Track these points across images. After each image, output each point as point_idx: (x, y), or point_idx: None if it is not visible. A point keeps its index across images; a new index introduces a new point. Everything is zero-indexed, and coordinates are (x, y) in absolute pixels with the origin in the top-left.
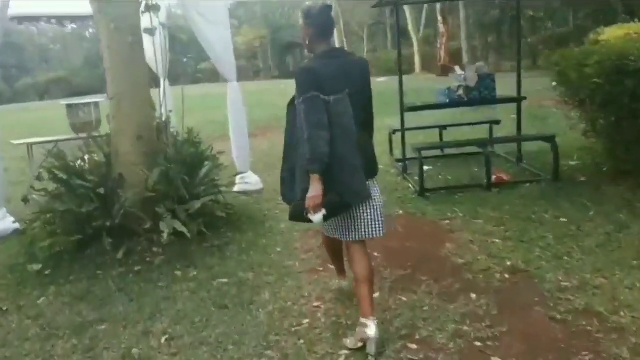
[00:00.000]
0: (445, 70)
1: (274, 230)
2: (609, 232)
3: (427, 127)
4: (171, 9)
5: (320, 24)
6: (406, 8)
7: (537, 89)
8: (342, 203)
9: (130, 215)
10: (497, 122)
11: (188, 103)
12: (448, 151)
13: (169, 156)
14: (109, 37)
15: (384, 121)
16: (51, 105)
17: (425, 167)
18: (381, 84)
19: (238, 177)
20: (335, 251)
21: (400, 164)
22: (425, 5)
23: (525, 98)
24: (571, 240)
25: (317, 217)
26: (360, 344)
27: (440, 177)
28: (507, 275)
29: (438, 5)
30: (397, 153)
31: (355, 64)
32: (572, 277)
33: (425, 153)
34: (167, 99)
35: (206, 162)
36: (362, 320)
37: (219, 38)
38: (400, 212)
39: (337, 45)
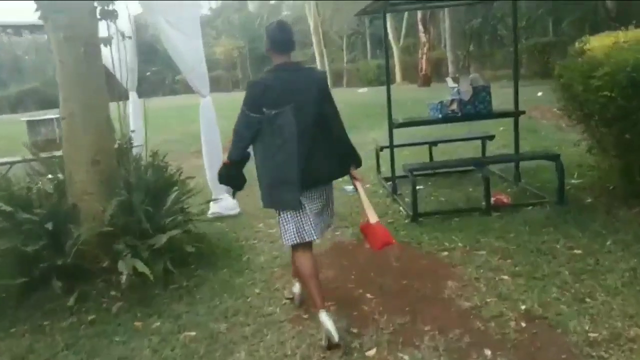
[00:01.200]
0: (428, 81)
1: (252, 265)
2: (634, 267)
3: (417, 144)
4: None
5: (277, 39)
6: (387, 17)
7: (523, 99)
8: (228, 174)
9: (85, 253)
10: (491, 138)
11: (164, 116)
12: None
13: (131, 183)
14: (59, 48)
15: (367, 135)
16: (14, 119)
17: (419, 188)
18: (362, 96)
19: (212, 198)
20: (313, 277)
21: (389, 183)
22: (406, 15)
23: (523, 112)
24: (590, 277)
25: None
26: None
27: (432, 198)
28: (523, 324)
29: (419, 15)
30: (385, 170)
31: (307, 79)
32: (600, 325)
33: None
34: (137, 114)
35: (174, 188)
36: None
37: (189, 49)
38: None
39: (317, 54)
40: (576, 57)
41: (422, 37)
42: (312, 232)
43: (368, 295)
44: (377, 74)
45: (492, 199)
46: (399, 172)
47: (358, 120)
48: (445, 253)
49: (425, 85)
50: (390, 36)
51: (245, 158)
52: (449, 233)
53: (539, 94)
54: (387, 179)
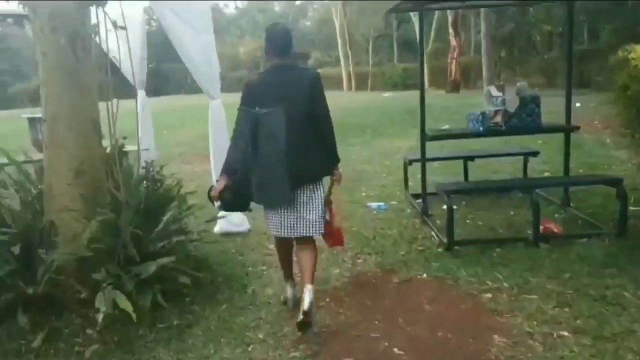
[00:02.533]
0: (457, 87)
1: (258, 300)
2: None
3: (451, 158)
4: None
5: (275, 41)
6: (415, 20)
7: (559, 110)
8: (234, 201)
9: (59, 282)
10: (535, 154)
11: (183, 116)
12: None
13: (119, 200)
14: (44, 41)
15: (393, 143)
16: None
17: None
18: (387, 100)
19: (219, 214)
20: (285, 254)
21: (418, 200)
22: (435, 17)
23: (578, 128)
24: None
25: (217, 204)
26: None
27: (468, 221)
28: None
29: (449, 18)
30: (412, 184)
31: (299, 79)
32: None
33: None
34: (145, 114)
35: (172, 205)
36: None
37: (199, 46)
38: (424, 275)
39: (341, 56)
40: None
41: (453, 40)
42: (295, 229)
43: (395, 350)
44: (403, 78)
45: (541, 228)
46: (430, 189)
47: (383, 126)
48: (488, 295)
49: (454, 91)
50: (418, 40)
51: (241, 164)
52: (492, 268)
53: (577, 104)
54: (416, 196)
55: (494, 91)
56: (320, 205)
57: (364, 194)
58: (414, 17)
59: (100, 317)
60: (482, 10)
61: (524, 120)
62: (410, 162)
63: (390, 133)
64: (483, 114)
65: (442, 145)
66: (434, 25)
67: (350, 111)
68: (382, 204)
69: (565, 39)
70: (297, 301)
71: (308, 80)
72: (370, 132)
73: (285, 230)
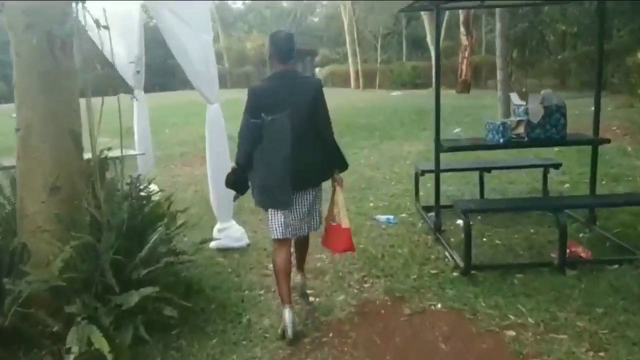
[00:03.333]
0: (468, 87)
1: (253, 333)
2: None
3: (467, 169)
4: None
5: (280, 48)
6: (425, 18)
7: (574, 113)
8: (234, 178)
9: (28, 314)
10: (557, 166)
11: (187, 113)
12: (490, 196)
13: (99, 220)
14: (17, 40)
15: (402, 147)
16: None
17: (460, 221)
18: (395, 99)
19: (216, 228)
20: (284, 266)
21: (430, 214)
22: (446, 15)
23: (608, 140)
24: None
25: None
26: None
27: (485, 239)
28: None
29: (461, 16)
30: (425, 196)
31: (303, 87)
32: None
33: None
34: (142, 116)
35: (160, 223)
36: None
37: (198, 46)
38: (439, 305)
39: (349, 53)
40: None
41: (464, 39)
42: (297, 230)
43: None
44: (411, 77)
45: (566, 252)
46: (442, 201)
47: (392, 128)
48: (512, 333)
49: (464, 91)
50: (428, 37)
51: (250, 163)
52: (514, 299)
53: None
54: (427, 209)
55: (516, 99)
56: (319, 207)
57: (372, 204)
58: (424, 14)
59: (71, 357)
60: (498, 9)
61: (548, 131)
62: (423, 172)
63: (399, 135)
64: (504, 124)
65: (455, 152)
66: (444, 24)
67: (358, 111)
68: (392, 217)
69: (580, 39)
70: (297, 332)
71: (312, 88)
72: (378, 135)
73: (290, 232)
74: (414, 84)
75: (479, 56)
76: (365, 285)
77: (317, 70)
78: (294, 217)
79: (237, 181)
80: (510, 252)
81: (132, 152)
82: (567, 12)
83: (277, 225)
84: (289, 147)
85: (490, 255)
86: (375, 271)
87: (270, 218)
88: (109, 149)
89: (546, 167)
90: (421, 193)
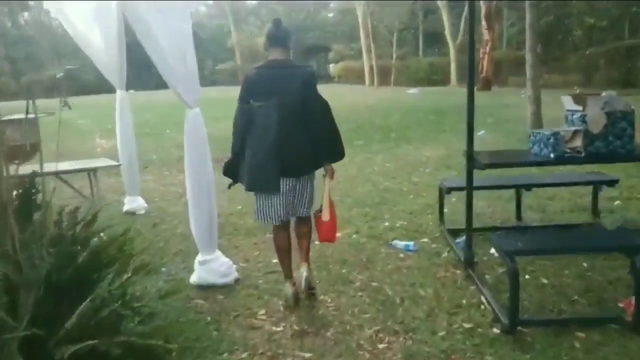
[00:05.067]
0: (489, 85)
1: None
2: None
3: (503, 187)
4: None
5: (269, 34)
6: (444, 11)
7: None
8: (229, 166)
9: None
10: (613, 183)
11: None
12: (527, 215)
13: (21, 268)
14: None
15: (421, 152)
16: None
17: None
18: (412, 97)
19: (198, 260)
20: (284, 249)
21: (458, 240)
22: (466, 9)
23: None
24: None
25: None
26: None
27: (528, 277)
28: None
29: (482, 9)
30: (450, 215)
31: (293, 76)
32: None
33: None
34: (124, 120)
35: (109, 271)
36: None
37: (173, 37)
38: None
39: (364, 49)
40: None
41: (485, 34)
42: (283, 214)
43: None
44: (428, 73)
45: (628, 304)
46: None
47: (409, 129)
48: None
49: (485, 88)
50: (447, 32)
51: (243, 149)
52: None
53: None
54: (454, 232)
55: (570, 103)
56: (311, 193)
57: (387, 223)
58: (443, 7)
59: None
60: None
61: (611, 144)
62: (449, 190)
63: (416, 138)
64: (555, 135)
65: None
66: (463, 17)
67: (372, 110)
68: (411, 243)
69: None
70: (298, 299)
71: (303, 78)
72: (394, 137)
73: (276, 217)
74: (430, 81)
75: (500, 51)
76: (380, 346)
77: (330, 66)
78: (281, 202)
79: (234, 169)
80: (562, 296)
81: (108, 162)
82: (596, 5)
83: (269, 212)
84: (275, 134)
85: (538, 300)
86: (392, 324)
87: (257, 201)
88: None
89: (596, 184)
90: (445, 210)
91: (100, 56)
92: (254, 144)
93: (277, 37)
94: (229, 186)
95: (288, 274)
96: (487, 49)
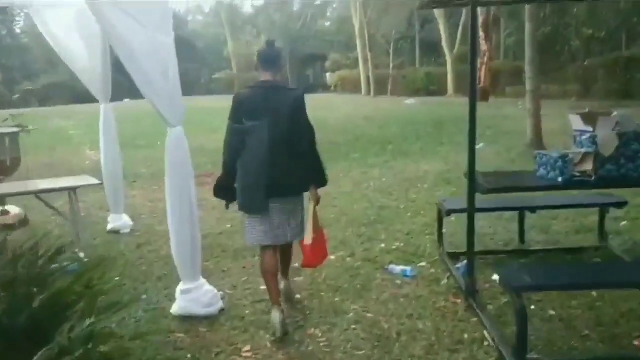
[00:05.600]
0: (487, 96)
1: None
2: None
3: (508, 209)
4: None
5: (263, 56)
6: (441, 21)
7: None
8: (220, 186)
9: None
10: (621, 205)
11: (189, 121)
12: (530, 236)
13: None
14: None
15: (419, 165)
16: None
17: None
18: (409, 108)
19: (179, 288)
20: (271, 271)
21: (459, 265)
22: (462, 18)
23: None
24: None
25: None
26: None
27: (534, 307)
28: None
29: (480, 18)
30: (449, 236)
31: (284, 98)
32: None
33: (495, 241)
34: (108, 134)
35: (75, 309)
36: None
37: (149, 49)
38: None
39: (360, 58)
40: None
41: (483, 44)
42: (276, 237)
43: None
44: (425, 83)
45: None
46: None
47: (406, 142)
48: None
49: (483, 100)
50: (444, 42)
51: (234, 170)
52: None
53: None
54: (454, 256)
55: (578, 123)
56: (301, 217)
57: (383, 245)
58: (440, 17)
59: None
60: (527, 8)
61: (623, 167)
62: (449, 212)
63: (414, 151)
64: (564, 158)
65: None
66: (460, 27)
67: (369, 121)
68: (409, 268)
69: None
70: (286, 328)
71: (293, 99)
72: (391, 150)
73: (267, 238)
74: (427, 91)
75: (497, 62)
76: None
77: (327, 75)
78: (272, 224)
79: (225, 189)
80: (571, 331)
81: (89, 181)
82: (595, 15)
83: (257, 232)
84: (265, 155)
85: (546, 335)
86: None
87: (248, 223)
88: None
89: (603, 207)
90: (444, 229)
91: (84, 68)
92: (246, 164)
93: (270, 58)
94: (226, 206)
95: (275, 300)
96: (485, 59)
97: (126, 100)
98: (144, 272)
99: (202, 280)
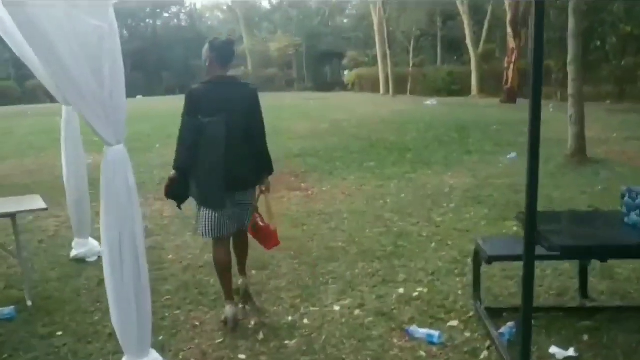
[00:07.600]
0: (514, 97)
1: None
2: None
3: (571, 258)
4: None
5: (221, 53)
6: (465, 17)
7: None
8: (174, 190)
9: None
10: None
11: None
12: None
13: None
14: None
15: (443, 177)
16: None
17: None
18: (430, 109)
19: None
20: (224, 265)
21: (502, 329)
22: (488, 16)
23: None
24: None
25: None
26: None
27: None
28: None
29: (508, 14)
30: (486, 284)
31: (239, 93)
32: None
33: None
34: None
35: None
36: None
37: (79, 40)
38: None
39: (379, 56)
40: None
41: (511, 42)
42: (229, 229)
43: None
44: (447, 83)
45: None
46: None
47: (427, 150)
48: None
49: (510, 101)
50: (468, 39)
51: (188, 167)
52: None
53: None
54: (493, 312)
55: None
56: (251, 208)
57: (401, 290)
58: (464, 14)
59: None
60: (571, 2)
61: None
62: (491, 260)
63: (437, 161)
64: None
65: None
66: (486, 23)
67: (387, 124)
68: (437, 333)
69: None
70: (237, 322)
71: (248, 95)
72: (410, 159)
73: (223, 230)
74: (449, 91)
75: (525, 61)
76: None
77: (345, 72)
78: (226, 216)
79: (177, 190)
80: None
81: (34, 204)
82: (634, 12)
83: (209, 225)
84: (222, 150)
85: None
86: None
87: (201, 216)
88: None
89: None
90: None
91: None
92: (204, 159)
93: (227, 54)
94: (178, 206)
95: (229, 294)
96: (513, 58)
97: (139, 97)
98: (94, 326)
99: (154, 355)
